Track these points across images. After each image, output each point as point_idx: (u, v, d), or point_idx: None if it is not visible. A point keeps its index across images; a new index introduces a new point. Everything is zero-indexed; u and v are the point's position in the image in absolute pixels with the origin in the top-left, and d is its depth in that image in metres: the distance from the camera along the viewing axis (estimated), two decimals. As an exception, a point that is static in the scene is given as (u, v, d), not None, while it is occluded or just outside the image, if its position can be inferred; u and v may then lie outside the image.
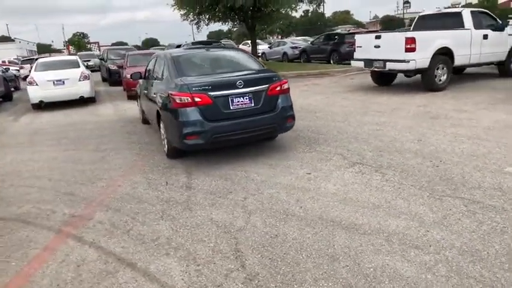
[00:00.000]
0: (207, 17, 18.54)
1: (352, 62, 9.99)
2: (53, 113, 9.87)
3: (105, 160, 5.45)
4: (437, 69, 8.70)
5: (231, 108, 4.57)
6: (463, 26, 9.02)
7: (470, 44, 8.98)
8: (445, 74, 8.84)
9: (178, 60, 5.14)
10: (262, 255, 2.81)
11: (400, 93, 9.12)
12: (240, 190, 4.03)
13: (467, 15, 9.09)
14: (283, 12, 17.90)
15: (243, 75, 4.82)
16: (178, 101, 4.47)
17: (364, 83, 11.23)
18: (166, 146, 5.18)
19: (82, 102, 10.63)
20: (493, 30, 9.34)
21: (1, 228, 3.57)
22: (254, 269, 2.65)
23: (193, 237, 3.14)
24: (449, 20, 9.42)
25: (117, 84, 14.56)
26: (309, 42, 21.65)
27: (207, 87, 4.47)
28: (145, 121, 7.43)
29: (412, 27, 10.36)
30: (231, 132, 4.59)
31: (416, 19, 10.48)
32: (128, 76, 10.72)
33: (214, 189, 4.11)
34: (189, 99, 4.42)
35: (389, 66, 8.74)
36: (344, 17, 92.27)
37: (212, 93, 4.46)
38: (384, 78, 10.34)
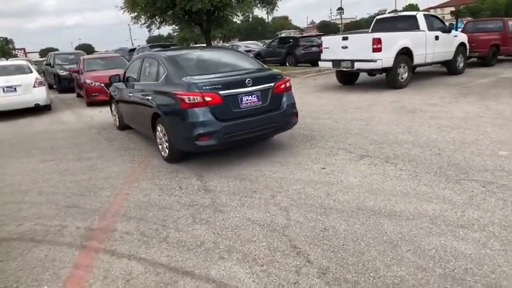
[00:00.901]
0: (159, 20, 17.98)
1: (319, 62, 10.33)
2: (5, 123, 8.84)
3: (96, 169, 5.03)
4: (400, 67, 9.34)
5: (241, 107, 4.49)
6: (419, 28, 9.79)
7: (426, 45, 9.77)
8: (406, 72, 9.52)
9: (177, 60, 4.92)
10: (323, 249, 2.79)
11: (367, 91, 9.63)
12: (263, 189, 3.96)
13: (421, 18, 9.89)
14: (241, 16, 17.98)
15: (248, 73, 4.76)
16: (187, 101, 4.27)
17: (327, 83, 11.68)
18: (166, 150, 4.91)
19: (36, 111, 9.67)
20: (442, 32, 10.26)
21: (8, 250, 3.13)
22: (322, 263, 2.62)
23: (241, 239, 3.02)
24: (405, 23, 10.17)
25: (68, 91, 13.54)
26: (262, 45, 21.96)
27: (217, 86, 4.34)
28: (123, 127, 6.99)
29: (370, 29, 11.00)
30: (242, 131, 4.50)
31: (373, 22, 11.16)
32: (88, 82, 10.12)
33: (235, 189, 3.99)
34: (200, 98, 4.26)
35: (358, 65, 9.19)
36: (283, 22, 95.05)
37: (222, 92, 4.34)
38: (348, 78, 10.85)
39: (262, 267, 2.63)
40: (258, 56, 20.03)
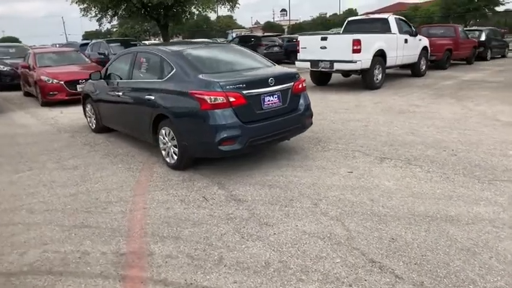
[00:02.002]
0: (111, 13, 16.71)
1: (296, 62, 10.24)
2: None
3: (90, 179, 4.36)
4: (375, 69, 9.57)
5: (263, 108, 4.16)
6: (390, 31, 10.13)
7: (397, 47, 10.14)
8: (381, 73, 9.79)
9: (186, 56, 4.43)
10: (404, 262, 2.59)
11: (344, 92, 9.74)
12: (300, 196, 3.68)
13: (392, 21, 10.24)
14: (203, 12, 17.34)
15: (268, 72, 4.44)
16: (209, 101, 3.84)
17: (300, 83, 11.63)
18: (174, 156, 4.41)
19: (-20, 111, 8.37)
20: (409, 35, 10.74)
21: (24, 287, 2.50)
22: (413, 277, 2.43)
23: (308, 255, 2.72)
24: (377, 25, 10.48)
25: (10, 89, 12.00)
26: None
27: (240, 85, 3.96)
28: (100, 129, 6.24)
29: (342, 31, 11.18)
30: (265, 134, 4.18)
31: (345, 23, 11.35)
32: (44, 79, 9.02)
33: (269, 198, 3.66)
34: (223, 99, 3.85)
35: (337, 66, 9.24)
36: (228, 21, 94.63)
37: (246, 92, 3.98)
38: (321, 79, 10.91)
39: (352, 287, 2.37)
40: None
